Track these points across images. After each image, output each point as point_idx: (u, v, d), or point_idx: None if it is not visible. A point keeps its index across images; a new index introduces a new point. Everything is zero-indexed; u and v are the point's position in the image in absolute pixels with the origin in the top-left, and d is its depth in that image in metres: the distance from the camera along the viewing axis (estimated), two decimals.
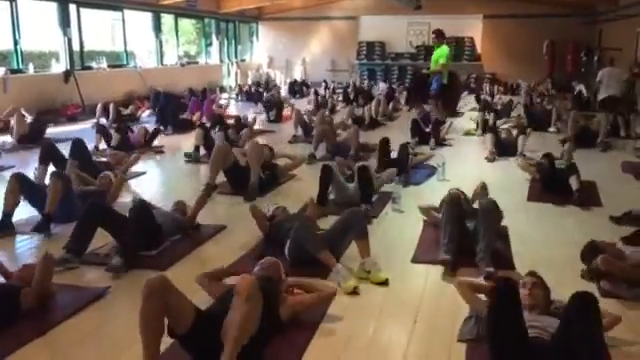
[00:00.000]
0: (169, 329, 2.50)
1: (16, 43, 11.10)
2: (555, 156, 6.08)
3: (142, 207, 4.11)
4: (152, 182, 6.66)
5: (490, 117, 9.81)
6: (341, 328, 3.00)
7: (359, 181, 5.16)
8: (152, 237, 4.08)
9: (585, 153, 7.58)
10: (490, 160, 7.38)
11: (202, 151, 7.51)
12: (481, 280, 3.22)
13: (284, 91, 16.54)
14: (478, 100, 12.79)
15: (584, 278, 3.51)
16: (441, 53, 10.29)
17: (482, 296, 2.90)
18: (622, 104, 10.12)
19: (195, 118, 10.73)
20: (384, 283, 3.52)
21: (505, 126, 9.31)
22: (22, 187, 4.64)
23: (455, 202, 4.03)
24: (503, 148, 7.67)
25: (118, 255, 3.74)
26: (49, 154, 5.92)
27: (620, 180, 6.40)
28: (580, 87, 14.10)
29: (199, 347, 2.57)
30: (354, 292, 3.39)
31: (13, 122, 8.49)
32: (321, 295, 3.10)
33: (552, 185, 5.53)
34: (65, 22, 11.94)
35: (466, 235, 3.92)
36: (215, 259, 4.01)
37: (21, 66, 11.20)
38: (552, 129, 9.83)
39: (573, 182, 5.37)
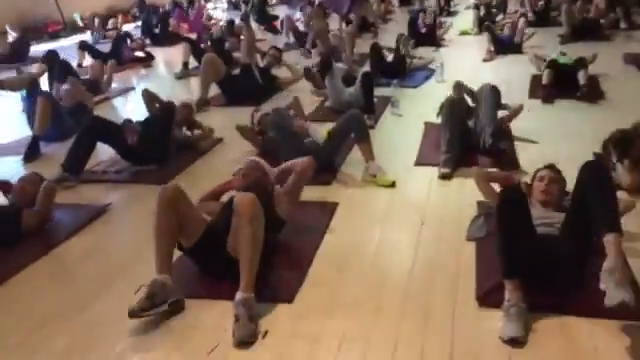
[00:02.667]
0: (178, 243, 2.47)
1: None
2: (559, 56, 5.86)
3: (172, 109, 3.99)
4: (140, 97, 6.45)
5: (482, 12, 9.43)
6: (349, 232, 2.98)
7: (362, 88, 4.93)
8: (161, 152, 3.98)
9: (587, 46, 7.36)
10: (488, 60, 7.17)
11: (193, 64, 7.24)
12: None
13: None
14: None
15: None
16: None
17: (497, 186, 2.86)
18: None
19: (182, 30, 10.35)
20: (391, 185, 3.48)
21: (504, 22, 8.98)
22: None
23: (454, 105, 3.91)
24: (501, 46, 7.44)
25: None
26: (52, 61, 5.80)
27: (623, 72, 6.24)
28: None
29: (205, 260, 2.55)
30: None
31: None
32: (300, 171, 2.97)
33: (557, 81, 5.36)
34: None
35: (467, 134, 3.84)
36: (214, 172, 3.95)
37: None
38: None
39: (581, 76, 5.21)
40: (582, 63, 5.35)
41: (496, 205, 2.33)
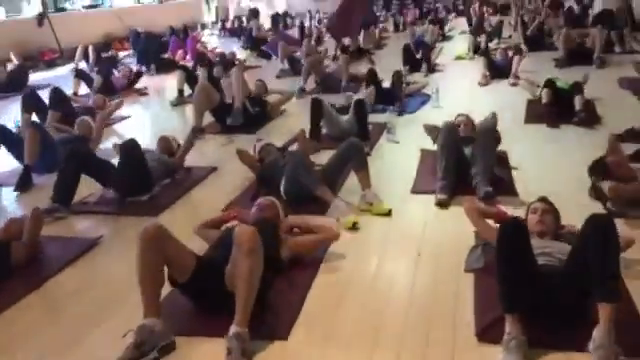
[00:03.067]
0: (170, 278, 2.42)
1: None
2: (555, 77, 5.87)
3: (133, 146, 3.90)
4: (137, 126, 6.43)
5: (482, 39, 9.50)
6: (344, 264, 2.92)
7: (355, 115, 4.93)
8: (142, 181, 3.93)
9: (581, 70, 7.39)
10: (483, 85, 7.18)
11: (188, 91, 7.23)
12: (479, 202, 3.12)
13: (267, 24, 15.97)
14: (469, 23, 12.41)
15: (591, 196, 3.44)
16: None
17: (491, 222, 2.82)
18: (617, 18, 9.82)
19: (178, 57, 10.39)
20: (387, 214, 3.43)
21: (498, 47, 9.04)
22: (1, 137, 4.46)
23: (451, 130, 3.87)
24: (497, 70, 7.46)
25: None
26: (31, 103, 5.70)
27: (618, 97, 6.25)
28: (570, 3, 13.70)
29: (201, 294, 2.48)
30: (354, 227, 3.29)
31: None
32: (322, 237, 2.97)
33: (555, 104, 5.34)
34: None
35: (463, 162, 3.80)
36: (208, 202, 3.91)
37: None
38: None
39: (577, 101, 5.21)
40: (578, 88, 5.36)
41: (497, 239, 2.28)
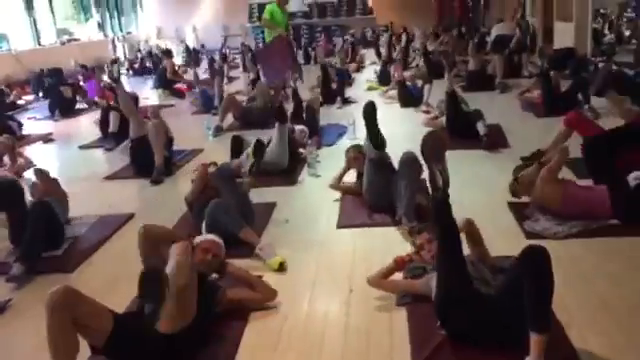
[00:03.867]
0: (89, 345, 2.25)
1: None
2: (459, 96, 6.11)
3: (42, 207, 3.66)
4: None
5: (391, 69, 9.78)
6: (275, 309, 2.83)
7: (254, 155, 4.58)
8: (54, 236, 3.69)
9: (484, 96, 7.76)
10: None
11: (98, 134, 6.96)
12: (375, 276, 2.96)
13: (180, 60, 15.74)
14: (378, 54, 12.78)
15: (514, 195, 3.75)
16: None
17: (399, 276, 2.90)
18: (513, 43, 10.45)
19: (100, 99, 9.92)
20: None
21: (406, 74, 9.34)
22: None
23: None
24: (409, 99, 7.69)
25: (19, 262, 3.34)
26: None
27: (522, 119, 6.60)
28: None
29: (129, 349, 2.32)
30: (281, 268, 3.22)
31: None
32: (260, 298, 2.84)
33: (459, 130, 5.56)
34: None
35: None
36: (126, 252, 3.69)
37: None
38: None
39: (480, 127, 5.44)
40: (479, 114, 5.60)
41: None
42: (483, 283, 2.46)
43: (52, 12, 15.45)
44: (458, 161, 5.04)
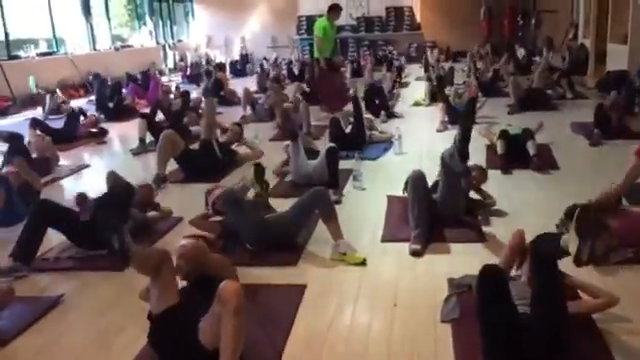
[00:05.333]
0: (148, 313, 2.41)
1: None
2: (507, 126, 6.05)
3: (132, 193, 3.80)
4: (97, 175, 6.27)
5: (434, 84, 9.74)
6: (317, 321, 2.86)
7: (328, 165, 4.87)
8: (114, 230, 3.79)
9: (533, 116, 7.65)
10: (441, 131, 7.33)
11: (150, 137, 7.15)
12: None
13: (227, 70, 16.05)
14: (426, 69, 12.75)
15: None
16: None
17: None
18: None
19: (141, 105, 10.29)
20: (362, 263, 3.41)
21: (452, 93, 9.29)
22: None
23: (418, 179, 3.87)
24: (455, 116, 7.64)
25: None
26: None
27: (571, 141, 6.48)
28: (520, 51, 14.30)
29: (167, 345, 2.39)
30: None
31: None
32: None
33: (510, 153, 5.49)
34: None
35: (434, 206, 3.84)
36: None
37: None
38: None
39: (530, 147, 5.38)
40: (529, 134, 5.53)
41: (476, 289, 2.28)
42: (523, 302, 2.44)
43: (108, 18, 15.97)
44: (507, 181, 5.04)
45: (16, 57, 12.10)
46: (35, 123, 7.62)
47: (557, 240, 2.52)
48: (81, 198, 3.83)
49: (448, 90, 10.01)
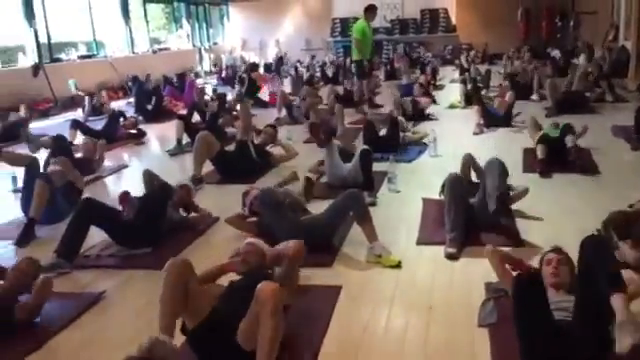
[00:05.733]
0: (182, 325, 2.42)
1: None
2: (547, 130, 5.96)
3: (170, 193, 3.88)
4: (136, 175, 6.40)
5: (469, 87, 9.67)
6: (353, 322, 2.87)
7: (362, 167, 4.89)
8: (151, 234, 3.88)
9: (572, 119, 7.50)
10: (478, 133, 7.27)
11: (186, 138, 7.26)
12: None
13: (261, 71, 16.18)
14: (462, 71, 12.65)
15: None
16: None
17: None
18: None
19: (172, 106, 10.49)
20: (397, 266, 3.41)
21: (490, 95, 9.20)
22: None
23: (456, 183, 3.86)
24: (491, 119, 7.57)
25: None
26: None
27: (612, 144, 6.35)
28: (555, 53, 14.07)
29: (210, 346, 2.43)
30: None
31: None
32: (292, 255, 2.84)
33: (550, 156, 5.40)
34: (30, 13, 11.48)
35: (470, 210, 3.81)
36: (213, 253, 3.85)
37: None
38: (534, 97, 9.77)
39: (569, 140, 5.33)
40: (569, 129, 5.46)
41: (512, 294, 2.26)
42: (562, 310, 2.40)
43: (146, 22, 16.28)
44: (545, 185, 4.97)
45: (58, 60, 12.43)
46: (76, 124, 7.84)
47: (609, 252, 2.37)
48: (124, 197, 3.92)
49: (484, 93, 9.95)
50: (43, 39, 12.00)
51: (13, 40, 11.91)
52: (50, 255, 3.60)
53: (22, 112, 8.95)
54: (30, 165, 4.58)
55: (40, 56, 11.65)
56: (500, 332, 2.58)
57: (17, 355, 2.67)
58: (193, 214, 4.42)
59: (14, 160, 4.89)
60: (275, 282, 2.67)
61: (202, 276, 2.95)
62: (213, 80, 16.28)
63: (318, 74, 14.64)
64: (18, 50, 11.72)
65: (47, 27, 12.12)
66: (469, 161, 4.37)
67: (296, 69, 14.30)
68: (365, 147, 5.08)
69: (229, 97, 10.24)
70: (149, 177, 4.56)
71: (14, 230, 4.30)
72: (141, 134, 8.27)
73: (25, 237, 4.13)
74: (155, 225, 3.89)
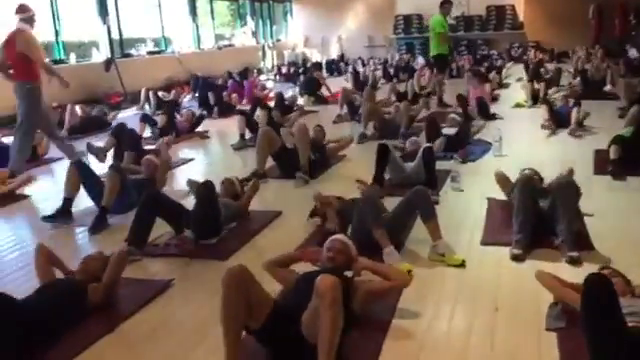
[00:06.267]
0: (245, 326, 2.41)
1: (57, 34, 11.19)
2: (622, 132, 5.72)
3: (210, 188, 3.97)
4: (200, 168, 6.59)
5: (540, 87, 9.40)
6: (417, 320, 2.84)
7: (425, 164, 4.86)
8: (214, 224, 3.98)
9: None
10: (545, 127, 7.07)
11: (248, 134, 7.39)
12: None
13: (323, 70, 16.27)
14: (527, 69, 12.31)
15: None
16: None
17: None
18: None
19: (234, 100, 10.69)
20: (461, 265, 3.37)
21: (557, 95, 8.91)
22: (81, 176, 4.63)
23: (528, 184, 3.76)
24: (559, 119, 7.33)
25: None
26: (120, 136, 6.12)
27: None
28: (632, 51, 13.49)
29: (276, 340, 2.47)
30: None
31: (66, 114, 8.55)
32: (394, 284, 2.89)
33: (624, 157, 5.19)
34: (104, 11, 11.95)
35: (540, 215, 3.70)
36: (275, 246, 3.91)
37: (63, 56, 11.29)
38: (608, 87, 9.40)
39: None
40: None
41: (582, 297, 2.19)
42: (634, 315, 2.31)
43: (212, 19, 16.64)
44: (617, 187, 4.78)
45: (128, 55, 12.89)
46: (145, 118, 8.12)
47: None
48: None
49: (555, 91, 9.64)
50: (115, 35, 12.45)
51: (87, 36, 12.42)
52: (121, 243, 3.74)
53: (78, 112, 9.23)
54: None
55: (112, 51, 12.10)
56: (569, 337, 2.50)
57: (92, 337, 2.79)
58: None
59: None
60: (353, 289, 2.72)
61: (277, 260, 3.06)
62: (275, 76, 16.46)
63: (379, 72, 14.55)
64: (92, 45, 12.22)
65: (119, 24, 12.59)
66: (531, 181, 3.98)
67: (354, 69, 14.28)
68: (428, 145, 5.03)
69: (289, 93, 10.36)
70: (191, 184, 4.73)
71: (86, 217, 4.52)
72: (199, 120, 8.46)
73: (98, 225, 4.31)
74: (213, 219, 3.97)
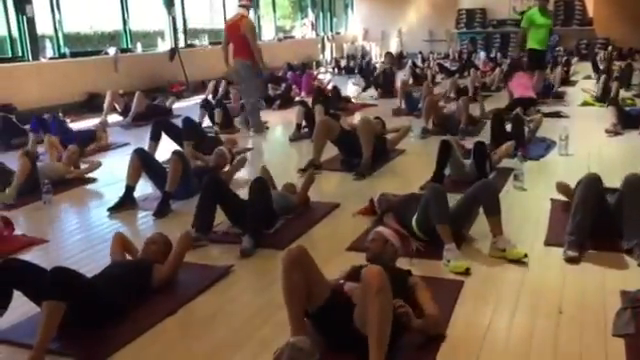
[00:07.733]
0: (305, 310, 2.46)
1: (125, 23, 11.52)
2: None
3: (265, 183, 4.03)
4: (259, 158, 6.66)
5: (613, 86, 9.02)
6: (477, 316, 2.80)
7: (475, 158, 4.81)
8: (268, 216, 4.03)
9: None
10: (611, 132, 6.78)
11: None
12: None
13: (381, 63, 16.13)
14: (595, 68, 11.86)
15: None
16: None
17: None
18: None
19: (293, 92, 10.75)
20: (523, 259, 3.29)
21: (629, 94, 8.54)
22: (143, 163, 4.76)
23: (592, 186, 3.59)
24: (629, 121, 7.01)
25: (248, 236, 3.69)
26: (159, 132, 6.15)
27: None
28: None
29: (330, 327, 2.48)
30: (466, 273, 3.20)
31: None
32: (429, 316, 2.57)
33: None
34: (169, 1, 12.22)
35: (606, 212, 3.56)
36: (331, 237, 3.93)
37: (130, 46, 11.63)
38: None
39: None
40: None
41: None
42: None
43: (274, 10, 16.77)
44: None
45: (191, 45, 13.15)
46: (206, 104, 8.29)
47: None
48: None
49: (625, 91, 9.24)
50: (179, 25, 12.72)
51: (153, 25, 12.74)
52: (185, 227, 3.82)
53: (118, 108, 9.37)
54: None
55: (176, 41, 12.38)
56: (638, 344, 2.41)
57: (157, 317, 2.88)
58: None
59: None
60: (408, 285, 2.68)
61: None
62: (334, 69, 16.44)
63: (437, 68, 14.30)
64: (157, 35, 12.52)
65: (184, 14, 12.85)
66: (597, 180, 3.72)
67: (414, 63, 14.07)
68: (479, 140, 5.00)
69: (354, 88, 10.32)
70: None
71: (149, 202, 4.68)
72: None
73: (162, 209, 4.43)
74: (268, 210, 3.99)
